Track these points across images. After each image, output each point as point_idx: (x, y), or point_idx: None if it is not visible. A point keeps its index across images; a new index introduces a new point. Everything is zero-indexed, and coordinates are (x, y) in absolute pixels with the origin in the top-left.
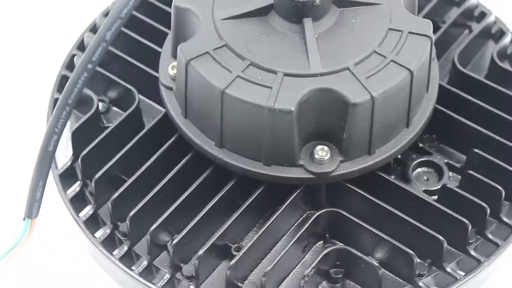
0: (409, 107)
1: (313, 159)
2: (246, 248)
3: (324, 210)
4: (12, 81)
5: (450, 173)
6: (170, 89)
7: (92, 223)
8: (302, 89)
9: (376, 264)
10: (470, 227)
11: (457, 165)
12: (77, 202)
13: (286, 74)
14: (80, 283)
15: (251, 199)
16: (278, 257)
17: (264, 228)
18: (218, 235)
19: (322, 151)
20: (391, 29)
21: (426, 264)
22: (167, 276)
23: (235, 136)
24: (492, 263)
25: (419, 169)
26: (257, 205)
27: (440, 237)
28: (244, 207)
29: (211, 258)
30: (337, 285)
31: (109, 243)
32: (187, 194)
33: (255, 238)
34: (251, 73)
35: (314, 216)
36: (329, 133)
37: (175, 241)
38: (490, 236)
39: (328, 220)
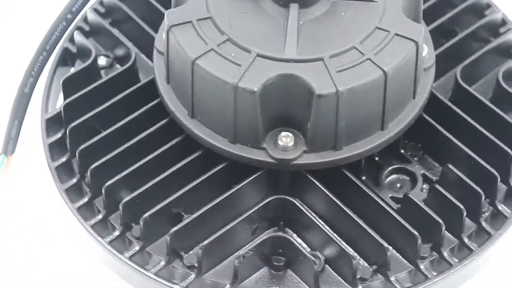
0: (383, 109)
1: (276, 145)
2: (192, 217)
3: (276, 197)
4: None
5: (425, 185)
6: (162, 53)
7: (64, 170)
8: (270, 72)
9: (313, 259)
10: (419, 240)
11: (433, 178)
12: (56, 149)
13: (259, 55)
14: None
15: (210, 173)
16: (220, 232)
17: (215, 202)
18: (169, 201)
19: (286, 138)
20: (378, 28)
21: (371, 270)
22: (117, 233)
23: (204, 108)
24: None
25: (394, 176)
26: (217, 180)
27: (385, 244)
28: (202, 179)
29: (161, 224)
30: (279, 273)
31: (74, 193)
32: (152, 156)
33: (203, 209)
34: (226, 48)
35: (266, 201)
36: (296, 121)
37: (125, 199)
38: (445, 254)
39: (281, 207)
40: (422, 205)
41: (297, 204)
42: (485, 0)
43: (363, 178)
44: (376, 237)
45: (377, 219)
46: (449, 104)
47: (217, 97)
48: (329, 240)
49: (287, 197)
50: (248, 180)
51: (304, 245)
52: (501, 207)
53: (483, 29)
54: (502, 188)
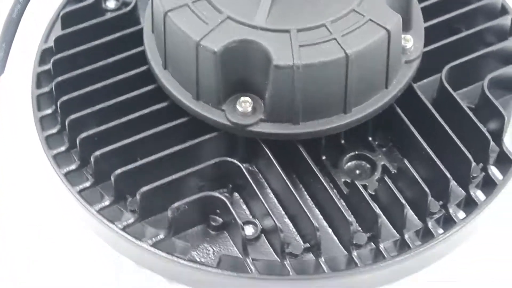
0: (345, 91)
1: (235, 109)
2: (140, 162)
3: (224, 159)
4: None
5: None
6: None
7: (44, 100)
8: (234, 35)
9: (242, 225)
10: (352, 226)
11: (393, 170)
12: (42, 79)
13: (229, 17)
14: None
15: (171, 124)
16: (161, 182)
17: (166, 152)
18: (124, 143)
19: (245, 103)
20: (355, 11)
21: (302, 247)
22: (73, 166)
23: (174, 61)
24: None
25: (355, 162)
26: (177, 133)
27: (316, 224)
28: (161, 128)
29: (114, 165)
30: (214, 232)
31: (53, 141)
32: (121, 99)
33: (152, 157)
34: (200, 6)
35: (214, 161)
36: (257, 89)
37: (83, 135)
38: (381, 246)
39: (228, 170)
40: (365, 195)
41: (243, 170)
42: (500, 3)
43: (323, 158)
44: (311, 219)
45: (321, 200)
46: (425, 101)
47: (183, 52)
48: (265, 212)
49: (235, 161)
50: (202, 138)
51: (247, 211)
52: (452, 210)
53: (489, 32)
54: (461, 193)
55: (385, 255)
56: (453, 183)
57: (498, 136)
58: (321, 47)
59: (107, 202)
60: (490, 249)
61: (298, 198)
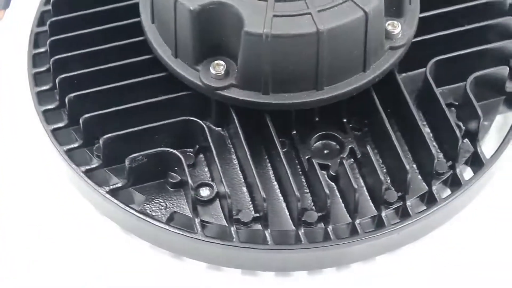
0: (316, 68)
1: (209, 71)
2: (109, 109)
3: (186, 118)
4: None
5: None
6: None
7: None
8: None
9: (192, 185)
10: (300, 202)
11: (359, 155)
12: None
13: None
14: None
15: (148, 77)
16: (124, 131)
17: (138, 103)
18: (97, 89)
19: (218, 66)
20: None
21: (252, 216)
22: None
23: (158, 16)
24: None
25: (326, 141)
26: (154, 87)
27: (263, 195)
28: (137, 80)
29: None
30: (171, 189)
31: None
32: (107, 46)
33: (122, 106)
34: None
35: (179, 119)
36: (233, 53)
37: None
38: (329, 228)
39: (191, 130)
40: (319, 174)
41: (206, 132)
42: (508, 3)
43: (293, 132)
44: (260, 189)
45: (279, 173)
46: (404, 91)
47: (165, 8)
48: (220, 179)
49: (200, 122)
50: (175, 95)
51: (208, 174)
52: (410, 203)
53: (491, 31)
54: (424, 188)
55: (332, 237)
56: (411, 176)
57: (474, 136)
58: (294, 20)
59: (76, 144)
60: (445, 245)
61: (253, 167)
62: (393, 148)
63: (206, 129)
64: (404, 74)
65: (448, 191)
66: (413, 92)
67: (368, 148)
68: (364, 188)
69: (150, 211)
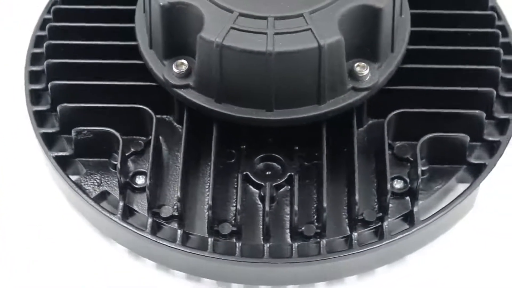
0: (266, 88)
1: (172, 67)
2: (76, 82)
3: (137, 106)
4: None
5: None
6: None
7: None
8: None
9: (120, 169)
10: (211, 211)
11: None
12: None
13: None
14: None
15: (124, 61)
16: (80, 104)
17: (103, 82)
18: (73, 62)
19: (180, 65)
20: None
21: (171, 213)
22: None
23: (141, 5)
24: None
25: (270, 162)
26: (124, 71)
27: (178, 195)
28: (114, 62)
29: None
30: (114, 170)
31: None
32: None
33: (91, 82)
34: None
35: (128, 105)
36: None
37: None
38: (235, 243)
39: (142, 118)
40: (240, 188)
41: (154, 123)
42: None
43: (242, 146)
44: (178, 187)
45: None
46: (354, 133)
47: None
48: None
49: (150, 112)
50: (138, 83)
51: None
52: (323, 243)
53: (471, 97)
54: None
55: (237, 253)
56: (336, 217)
57: (414, 195)
58: (248, 36)
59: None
60: None
61: (181, 167)
62: (321, 185)
63: (154, 120)
64: (375, 120)
65: (372, 240)
66: (376, 140)
67: (295, 183)
68: (286, 216)
69: (84, 184)
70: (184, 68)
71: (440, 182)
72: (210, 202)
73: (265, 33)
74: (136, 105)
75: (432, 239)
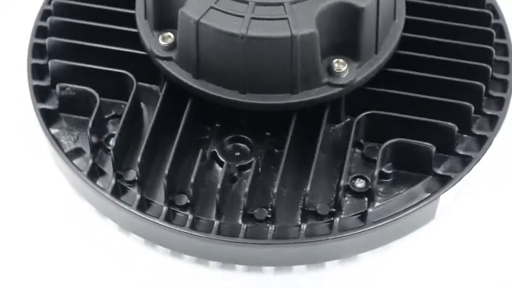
0: (240, 70)
1: (159, 41)
2: (74, 41)
3: (121, 71)
4: None
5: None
6: None
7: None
8: None
9: (90, 129)
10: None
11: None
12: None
13: None
14: None
15: (117, 27)
16: (71, 62)
17: (96, 44)
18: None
19: (167, 38)
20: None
21: (134, 177)
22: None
23: None
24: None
25: (240, 144)
26: (120, 38)
27: (139, 160)
28: (108, 27)
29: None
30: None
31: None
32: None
33: (85, 42)
34: None
35: (114, 69)
36: None
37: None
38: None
39: (125, 85)
40: (198, 163)
41: (133, 88)
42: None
43: (217, 125)
44: (140, 153)
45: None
46: (321, 127)
47: None
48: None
49: (132, 77)
50: (127, 50)
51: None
52: (271, 228)
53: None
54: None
55: (187, 224)
56: (289, 205)
57: (371, 196)
58: (226, 17)
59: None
60: None
61: (149, 132)
62: (277, 172)
63: (134, 86)
64: (353, 118)
65: (322, 233)
66: (349, 138)
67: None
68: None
69: (61, 138)
70: (170, 41)
71: (402, 188)
72: (166, 172)
73: (242, 17)
74: (119, 70)
75: (386, 242)
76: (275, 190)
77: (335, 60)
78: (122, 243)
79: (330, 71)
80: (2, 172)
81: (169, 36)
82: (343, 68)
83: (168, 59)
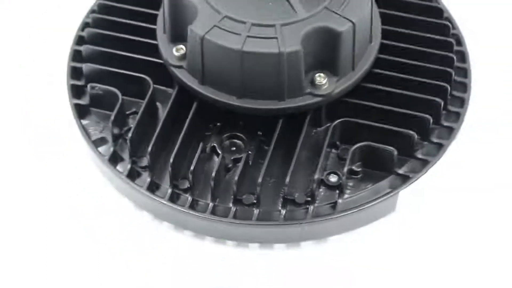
0: (238, 79)
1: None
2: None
3: (140, 75)
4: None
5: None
6: None
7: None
8: None
9: (112, 120)
10: (171, 170)
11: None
12: None
13: None
14: None
15: (140, 39)
16: (104, 67)
17: (120, 52)
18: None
19: (179, 50)
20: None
21: (145, 163)
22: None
23: None
24: None
25: (236, 140)
26: (142, 47)
27: (149, 149)
28: (138, 39)
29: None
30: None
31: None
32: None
33: (106, 49)
34: None
35: (133, 73)
36: None
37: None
38: (189, 197)
39: (143, 87)
40: (199, 154)
41: (150, 91)
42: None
43: (218, 124)
44: (151, 143)
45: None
46: (303, 129)
47: None
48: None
49: (149, 81)
50: (144, 58)
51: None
52: (255, 212)
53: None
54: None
55: (186, 205)
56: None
57: (341, 189)
58: (226, 35)
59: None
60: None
61: (160, 126)
62: (262, 165)
63: (151, 88)
64: (331, 123)
65: (299, 218)
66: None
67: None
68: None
69: (89, 128)
70: (182, 52)
71: (369, 184)
72: (171, 160)
73: (240, 35)
74: (139, 74)
75: (353, 228)
76: (259, 180)
77: (317, 74)
78: (135, 218)
79: (312, 83)
80: (43, 154)
81: (182, 48)
82: (324, 81)
83: (180, 67)
